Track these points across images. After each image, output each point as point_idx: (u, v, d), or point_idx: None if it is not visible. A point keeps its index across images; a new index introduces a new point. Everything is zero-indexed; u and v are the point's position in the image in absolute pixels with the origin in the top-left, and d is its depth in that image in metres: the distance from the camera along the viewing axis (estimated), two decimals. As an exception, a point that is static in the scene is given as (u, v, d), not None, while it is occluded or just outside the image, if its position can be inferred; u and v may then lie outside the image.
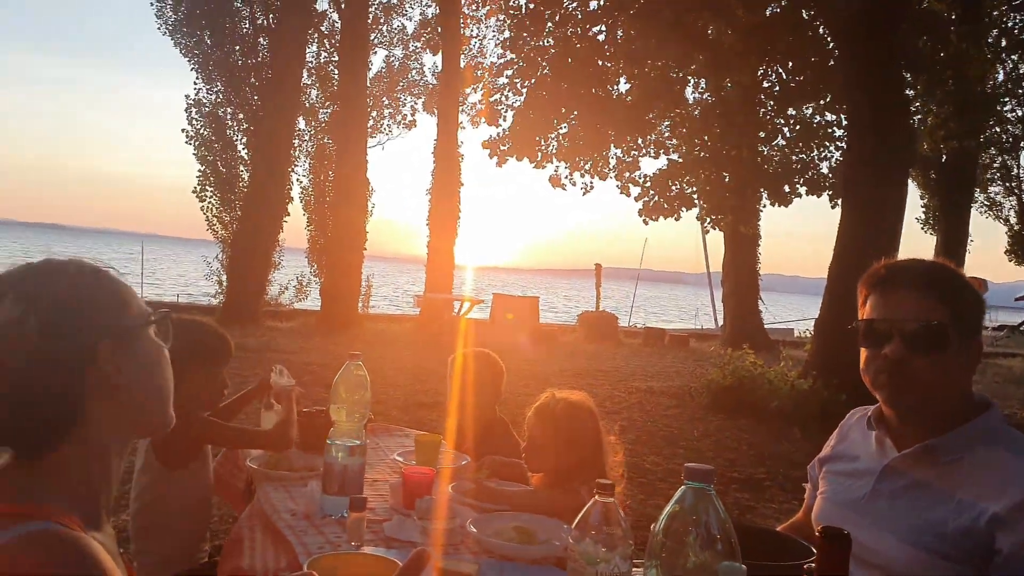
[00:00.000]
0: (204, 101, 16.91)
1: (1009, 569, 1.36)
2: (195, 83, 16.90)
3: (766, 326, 20.16)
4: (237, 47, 16.59)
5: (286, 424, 2.41)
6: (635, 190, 15.20)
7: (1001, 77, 17.47)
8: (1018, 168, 21.80)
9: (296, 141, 17.67)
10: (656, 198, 15.02)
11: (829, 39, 11.87)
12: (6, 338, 0.92)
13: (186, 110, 16.92)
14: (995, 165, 21.95)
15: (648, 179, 15.17)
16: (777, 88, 14.11)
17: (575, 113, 13.23)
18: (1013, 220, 21.85)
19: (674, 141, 15.23)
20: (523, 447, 2.32)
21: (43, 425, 0.95)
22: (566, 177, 14.75)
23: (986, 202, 22.34)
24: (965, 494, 1.44)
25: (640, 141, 14.76)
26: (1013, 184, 21.88)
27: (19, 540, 0.83)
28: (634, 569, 1.30)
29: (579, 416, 2.23)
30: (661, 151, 15.31)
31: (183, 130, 16.89)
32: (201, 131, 16.94)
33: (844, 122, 13.52)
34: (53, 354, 0.94)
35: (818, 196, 15.79)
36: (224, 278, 16.61)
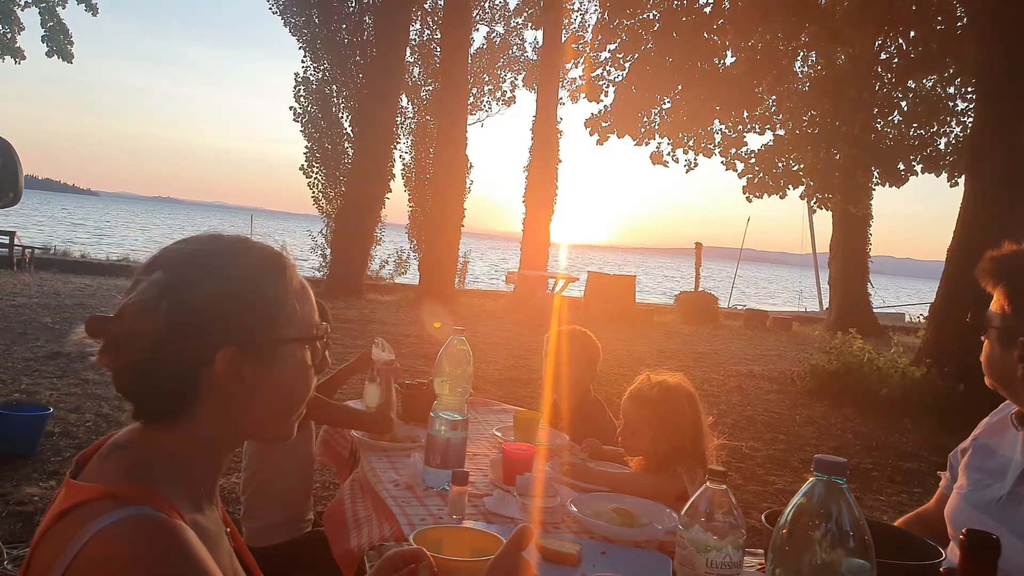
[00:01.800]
0: (311, 79, 17.42)
1: None
2: (303, 61, 17.46)
3: (875, 310, 19.23)
4: (344, 25, 16.95)
5: (386, 407, 2.49)
6: (740, 166, 14.72)
7: None
8: None
9: (399, 119, 17.99)
10: (761, 175, 14.51)
11: (957, 3, 11.05)
12: (139, 316, 0.94)
13: (294, 88, 17.53)
14: None
15: (753, 155, 14.64)
16: (896, 59, 13.28)
17: (679, 88, 12.87)
18: None
19: (781, 116, 14.62)
20: (619, 430, 2.28)
21: (155, 399, 0.98)
22: (668, 154, 14.40)
23: None
24: None
25: (746, 116, 14.22)
26: None
27: (115, 525, 0.85)
28: (747, 558, 1.25)
29: (675, 400, 2.15)
30: (767, 127, 14.72)
31: (291, 108, 17.53)
32: (308, 108, 17.48)
33: (970, 94, 12.62)
34: (171, 347, 0.95)
35: (936, 175, 14.87)
36: (328, 252, 17.17)
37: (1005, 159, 8.54)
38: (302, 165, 17.56)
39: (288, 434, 1.08)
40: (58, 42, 16.63)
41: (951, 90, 14.29)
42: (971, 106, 12.49)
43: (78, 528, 0.85)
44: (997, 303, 1.49)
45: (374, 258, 18.34)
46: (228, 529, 1.07)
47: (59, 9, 16.65)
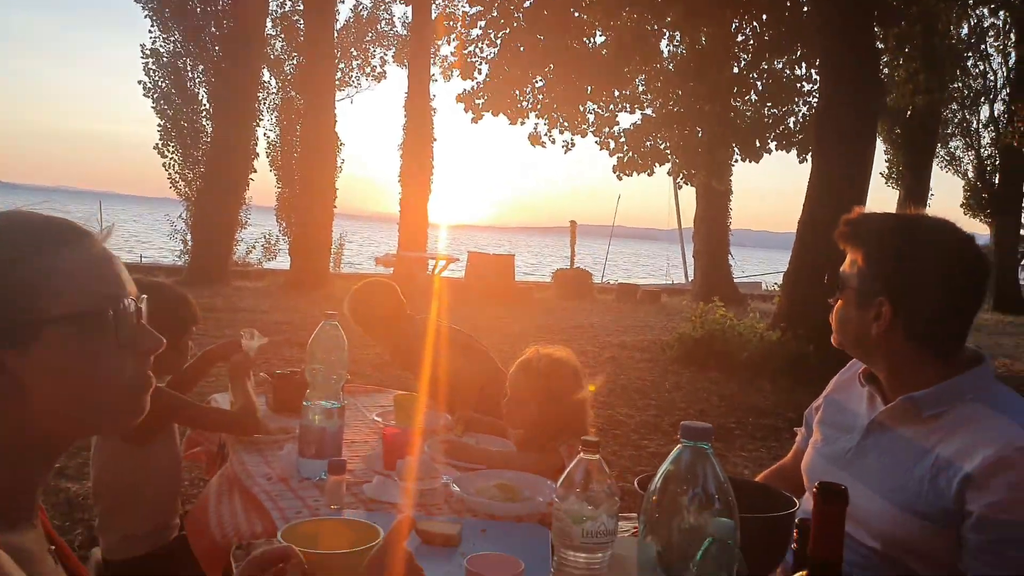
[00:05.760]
0: (161, 51, 16.18)
1: (980, 532, 1.31)
2: (150, 32, 16.20)
3: (735, 280, 20.38)
4: (195, -7, 15.86)
5: (249, 409, 2.30)
6: (612, 145, 15.10)
7: (965, 31, 17.63)
8: (978, 123, 22.00)
9: (261, 94, 17.19)
10: (630, 154, 14.93)
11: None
12: None
13: (142, 60, 16.21)
14: (955, 120, 22.15)
15: (623, 134, 15.05)
16: (751, 42, 14.00)
17: (551, 66, 12.99)
18: (971, 174, 22.09)
19: (649, 96, 15.09)
20: (504, 402, 2.30)
21: None
22: (545, 135, 14.53)
23: (946, 157, 22.54)
24: (944, 451, 1.39)
25: (616, 95, 14.57)
26: (972, 139, 22.07)
27: None
28: (620, 523, 1.28)
29: (562, 372, 2.19)
30: (636, 106, 15.16)
31: (140, 82, 16.24)
32: (160, 83, 16.28)
33: (815, 76, 13.50)
34: None
35: (787, 151, 15.85)
36: (189, 237, 16.26)
37: (845, 136, 9.21)
38: (156, 144, 16.39)
39: (116, 425, 0.97)
40: None
41: (799, 72, 15.24)
42: (816, 87, 13.35)
43: None
44: (853, 264, 1.52)
45: (240, 243, 17.54)
46: (53, 547, 0.95)
47: None
